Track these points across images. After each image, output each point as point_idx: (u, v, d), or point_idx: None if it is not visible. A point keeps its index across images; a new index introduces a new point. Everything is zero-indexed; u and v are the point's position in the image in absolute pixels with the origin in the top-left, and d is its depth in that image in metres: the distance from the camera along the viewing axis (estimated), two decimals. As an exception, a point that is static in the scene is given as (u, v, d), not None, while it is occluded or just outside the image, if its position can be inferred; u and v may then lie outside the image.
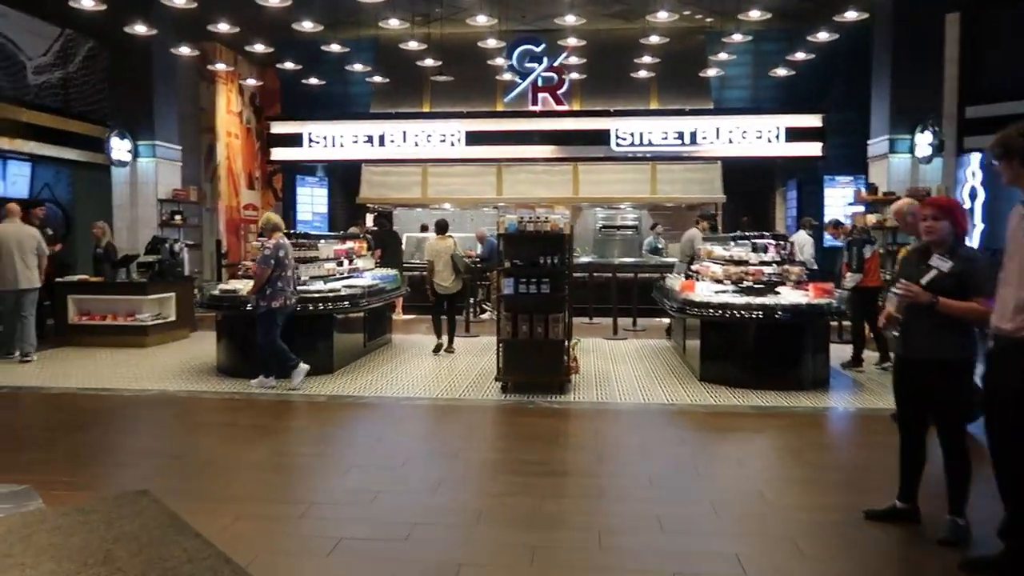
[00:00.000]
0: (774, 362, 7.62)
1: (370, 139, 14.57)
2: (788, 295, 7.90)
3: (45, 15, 13.45)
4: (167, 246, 10.85)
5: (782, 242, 8.37)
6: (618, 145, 14.02)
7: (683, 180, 14.01)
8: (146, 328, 10.16)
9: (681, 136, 13.90)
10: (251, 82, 13.70)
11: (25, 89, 13.39)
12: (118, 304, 10.29)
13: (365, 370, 8.64)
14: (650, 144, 13.97)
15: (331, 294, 8.37)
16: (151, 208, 11.37)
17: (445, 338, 10.01)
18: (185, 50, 10.05)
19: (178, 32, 10.61)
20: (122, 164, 11.47)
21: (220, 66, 11.57)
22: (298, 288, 7.78)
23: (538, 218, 7.27)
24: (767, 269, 8.14)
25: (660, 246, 13.67)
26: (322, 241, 9.24)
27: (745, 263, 8.25)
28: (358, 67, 11.77)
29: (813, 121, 13.68)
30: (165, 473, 5.02)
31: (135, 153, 11.61)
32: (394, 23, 11.06)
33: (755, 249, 8.45)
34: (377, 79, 12.41)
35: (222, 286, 8.46)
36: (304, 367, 7.53)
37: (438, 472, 4.96)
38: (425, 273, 10.09)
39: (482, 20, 10.11)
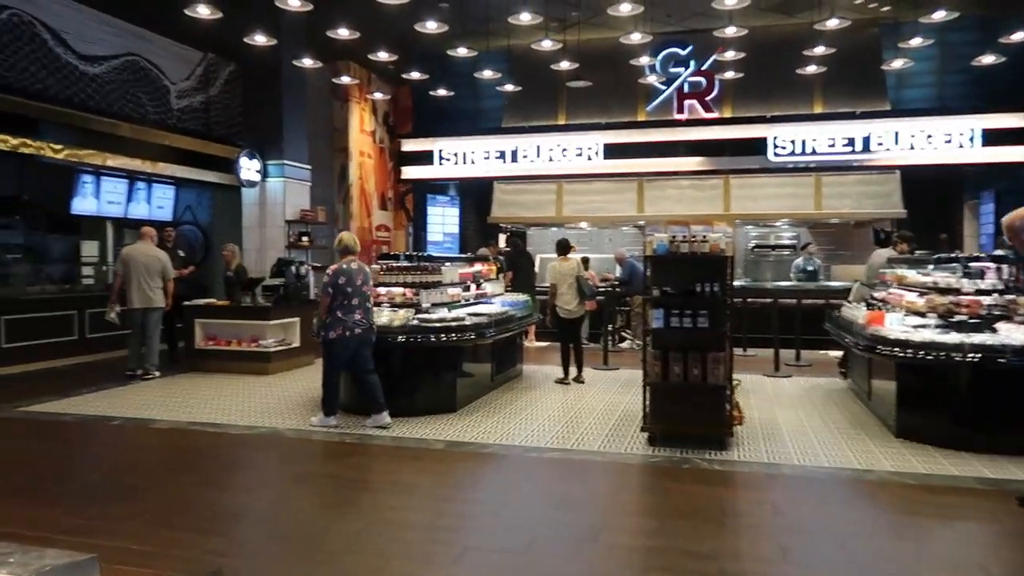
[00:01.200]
0: (998, 418, 6.00)
1: (502, 155, 13.81)
2: (1013, 333, 6.22)
3: (188, 40, 13.71)
4: (292, 269, 10.45)
5: (1005, 266, 6.67)
6: (776, 155, 12.48)
7: (854, 194, 12.24)
8: (268, 355, 9.74)
9: (851, 143, 12.18)
10: (379, 95, 13.26)
11: (168, 113, 13.63)
12: (242, 329, 9.95)
13: (491, 409, 7.69)
14: (814, 153, 12.33)
15: (454, 323, 7.49)
16: (279, 229, 11.07)
17: (574, 369, 9.14)
18: (308, 61, 9.60)
19: (309, 51, 10.26)
20: (251, 184, 11.25)
21: (345, 79, 11.09)
22: (372, 318, 7.04)
23: (694, 237, 6.05)
24: (985, 300, 6.49)
25: (812, 268, 12.01)
26: (446, 264, 8.42)
27: (955, 292, 6.63)
28: (488, 75, 10.91)
29: (1017, 121, 11.57)
30: (247, 543, 4.22)
31: (264, 173, 11.37)
32: (527, 28, 10.19)
33: (968, 275, 6.80)
34: (509, 88, 11.54)
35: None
36: (330, 419, 6.88)
37: (574, 566, 3.87)
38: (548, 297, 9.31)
39: (625, 7, 8.93)
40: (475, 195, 15.22)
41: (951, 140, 11.70)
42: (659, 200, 13.20)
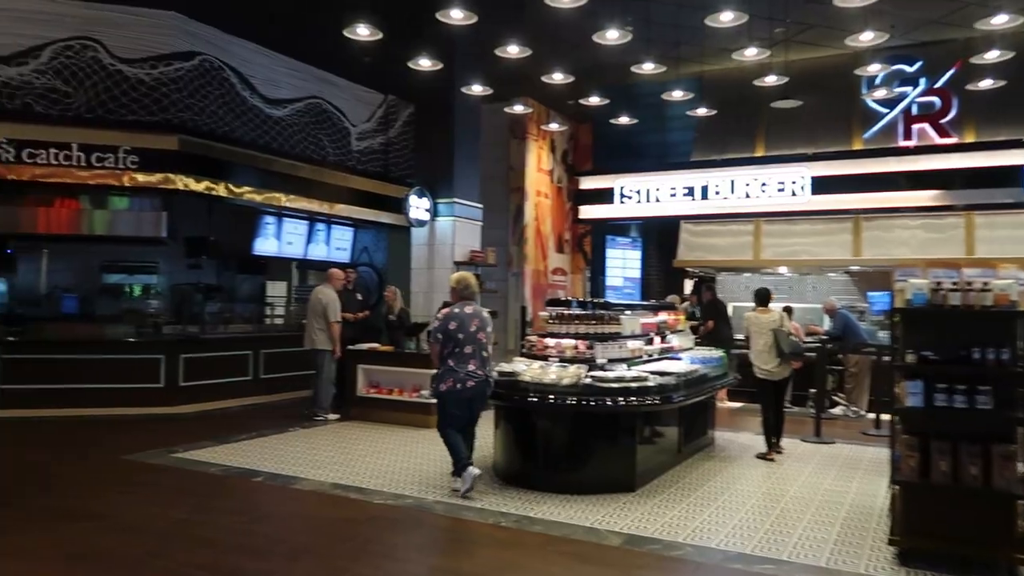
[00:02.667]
0: None
1: (690, 191, 12.43)
2: None
3: (370, 82, 13.72)
4: (458, 313, 9.67)
5: None
6: (1037, 186, 10.15)
7: None
8: (428, 406, 8.93)
9: None
10: (555, 126, 12.35)
11: (348, 155, 13.64)
12: (403, 377, 9.27)
13: (678, 491, 6.31)
14: (1091, 182, 9.88)
15: (635, 383, 6.24)
16: (447, 271, 10.41)
17: (775, 439, 7.82)
18: (477, 88, 8.88)
19: (479, 77, 9.62)
20: (420, 224, 10.72)
21: (519, 107, 10.28)
22: (489, 368, 6.15)
23: (969, 284, 4.42)
24: None
25: None
26: (626, 312, 7.19)
27: None
28: (677, 95, 9.64)
29: None
30: None
31: (434, 212, 10.80)
32: (722, 48, 8.90)
33: None
34: (701, 112, 10.17)
35: (502, 366, 6.79)
36: (474, 471, 5.96)
37: None
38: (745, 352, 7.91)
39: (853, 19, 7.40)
40: (659, 236, 13.88)
41: None
42: (880, 241, 11.18)
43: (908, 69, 11.23)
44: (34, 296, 12.54)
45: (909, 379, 4.54)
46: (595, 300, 7.01)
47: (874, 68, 9.99)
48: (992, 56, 9.34)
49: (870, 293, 13.14)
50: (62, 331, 10.65)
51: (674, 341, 8.10)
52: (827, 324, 10.87)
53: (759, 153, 12.26)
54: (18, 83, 9.96)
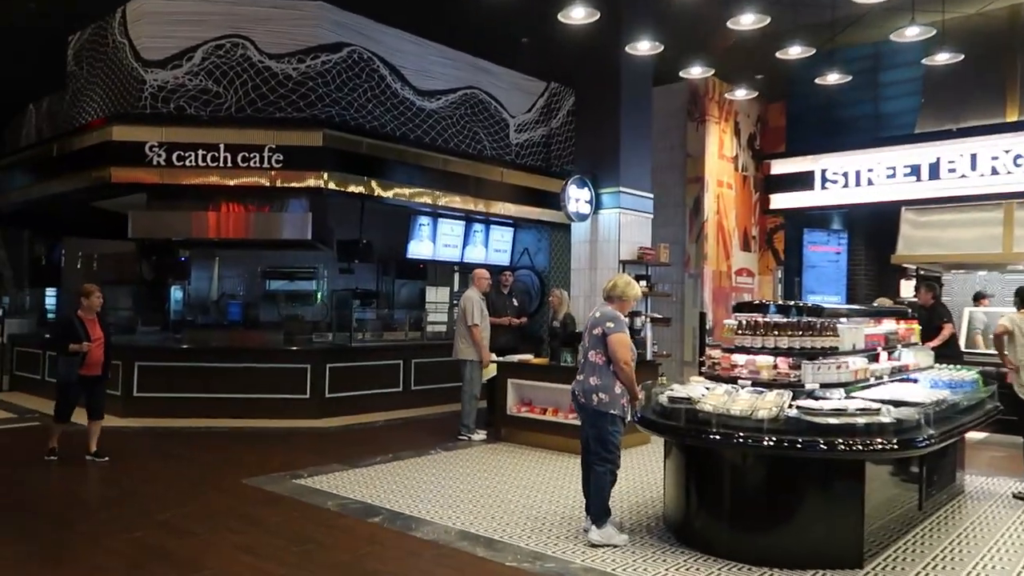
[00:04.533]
0: None
1: (915, 170, 10.06)
2: None
3: (531, 69, 12.59)
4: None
5: None
6: None
7: None
8: (585, 430, 7.51)
9: None
10: (740, 93, 10.41)
11: (507, 148, 12.57)
12: (560, 395, 7.88)
13: (921, 567, 4.46)
14: None
15: (861, 419, 4.46)
16: (612, 272, 8.95)
17: None
18: (644, 45, 7.23)
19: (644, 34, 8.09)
20: (580, 218, 9.30)
21: (696, 70, 8.49)
22: (590, 385, 4.98)
23: None
24: None
25: None
26: (843, 320, 5.38)
27: None
28: (910, 35, 7.48)
29: None
30: None
31: (596, 204, 9.35)
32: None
33: None
34: (942, 58, 7.84)
35: (675, 389, 5.23)
36: (621, 537, 4.84)
37: None
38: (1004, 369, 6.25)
39: None
40: (869, 228, 11.50)
41: None
42: None
43: None
44: (204, 303, 12.61)
45: None
46: (801, 304, 5.26)
47: None
48: None
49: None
50: (218, 338, 10.39)
51: (908, 358, 6.13)
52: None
53: (1012, 118, 9.63)
54: (173, 86, 9.78)
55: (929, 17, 8.34)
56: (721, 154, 12.77)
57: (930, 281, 9.57)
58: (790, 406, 4.63)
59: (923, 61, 8.25)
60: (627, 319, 5.20)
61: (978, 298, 10.11)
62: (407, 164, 10.56)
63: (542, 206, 12.20)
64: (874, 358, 5.59)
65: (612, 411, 4.88)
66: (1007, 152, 9.30)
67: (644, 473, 6.80)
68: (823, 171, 10.94)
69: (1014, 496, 6.16)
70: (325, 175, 9.52)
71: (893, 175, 10.23)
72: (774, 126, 13.53)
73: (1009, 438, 7.35)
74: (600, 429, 4.91)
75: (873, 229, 11.33)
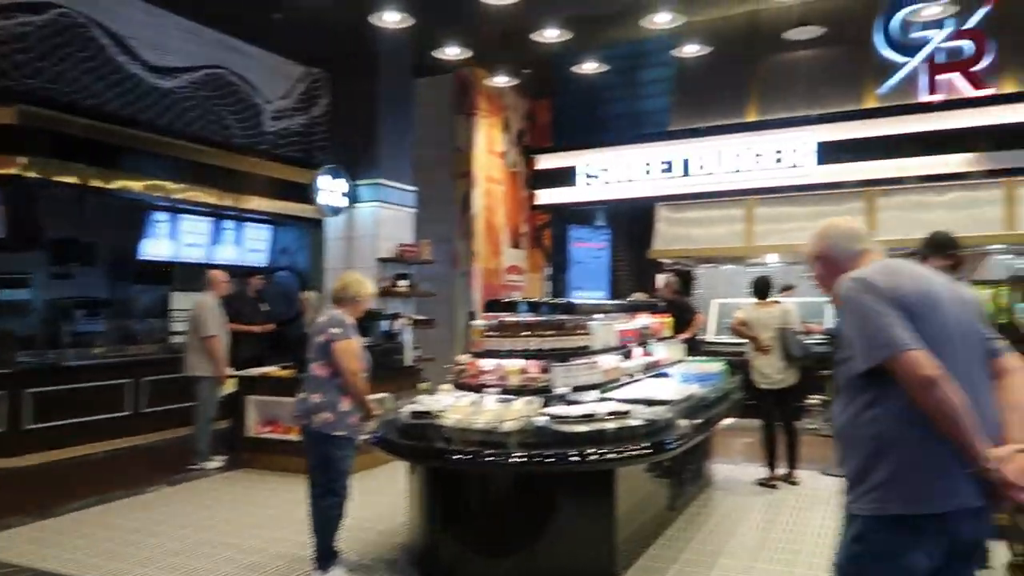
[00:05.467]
0: None
1: (668, 167, 10.34)
2: None
3: (287, 51, 11.47)
4: (382, 324, 7.50)
5: None
6: (1098, 143, 8.23)
7: None
8: (339, 449, 6.70)
9: None
10: (500, 80, 10.12)
11: (261, 137, 11.36)
12: (308, 410, 7.00)
13: (674, 567, 4.21)
14: None
15: (612, 424, 4.10)
16: (370, 272, 8.21)
17: (783, 466, 6.23)
18: (393, 16, 6.61)
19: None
20: (334, 211, 8.49)
21: (453, 51, 8.00)
22: (312, 403, 4.26)
23: None
24: None
25: None
26: (596, 317, 5.07)
27: None
28: (654, 48, 7.53)
29: None
30: None
31: (352, 197, 8.55)
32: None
33: None
34: (690, 50, 7.97)
35: (418, 402, 4.59)
36: None
37: None
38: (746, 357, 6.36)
39: None
40: (630, 224, 11.77)
41: None
42: (900, 218, 9.19)
43: (931, 10, 9.25)
44: None
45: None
46: (553, 301, 4.87)
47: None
48: None
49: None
50: None
51: (660, 353, 6.01)
52: (830, 319, 8.89)
53: (751, 118, 10.21)
54: None
55: (678, 17, 8.54)
56: (491, 149, 12.50)
57: (672, 274, 9.81)
58: (540, 414, 4.18)
59: (671, 52, 8.39)
60: (371, 322, 4.49)
61: (785, 289, 10.62)
62: (136, 151, 9.06)
63: (303, 201, 11.09)
64: (627, 355, 5.36)
65: (339, 432, 4.16)
66: (748, 150, 9.80)
67: (387, 497, 6.11)
68: (585, 167, 10.98)
69: (757, 483, 6.28)
70: (26, 161, 7.85)
71: (649, 171, 10.47)
72: (543, 122, 13.52)
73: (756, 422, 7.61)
74: (325, 455, 4.17)
75: (633, 225, 11.60)
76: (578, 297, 11.88)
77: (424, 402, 4.56)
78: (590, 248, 12.19)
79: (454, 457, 3.99)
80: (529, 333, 4.43)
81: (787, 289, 10.19)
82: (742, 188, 9.94)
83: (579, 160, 11.04)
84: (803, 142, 9.50)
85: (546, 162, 11.60)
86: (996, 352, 2.29)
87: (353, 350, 4.19)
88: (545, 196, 11.64)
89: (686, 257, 10.89)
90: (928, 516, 2.06)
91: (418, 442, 4.21)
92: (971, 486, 2.05)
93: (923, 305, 2.16)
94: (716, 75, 10.33)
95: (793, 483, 6.26)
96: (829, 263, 2.47)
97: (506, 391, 4.40)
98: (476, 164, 12.11)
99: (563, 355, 4.48)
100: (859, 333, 2.18)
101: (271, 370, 7.48)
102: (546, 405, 4.31)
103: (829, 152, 9.36)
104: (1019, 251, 9.42)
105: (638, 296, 8.36)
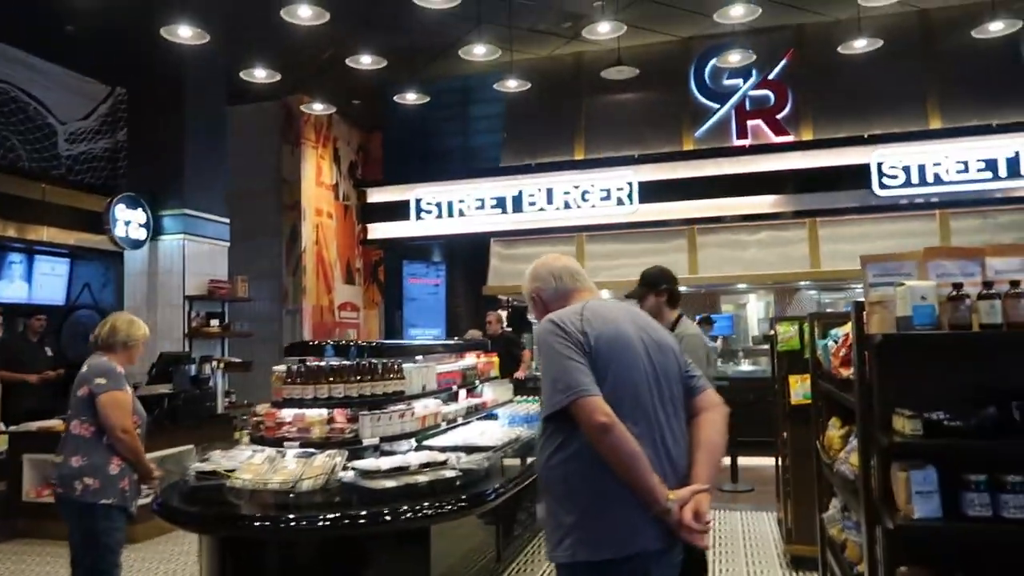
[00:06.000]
0: None
1: (501, 203, 10.31)
2: None
3: (86, 67, 10.42)
4: (187, 369, 6.78)
5: None
6: (884, 186, 9.00)
7: (998, 238, 8.68)
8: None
9: (991, 166, 8.72)
10: (317, 107, 9.71)
11: (54, 162, 10.21)
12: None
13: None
14: (937, 182, 8.86)
15: (424, 477, 3.78)
16: (176, 311, 7.45)
17: None
18: (185, 32, 6.06)
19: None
20: (134, 244, 7.67)
21: (260, 73, 7.52)
22: (67, 468, 3.64)
23: (1018, 284, 2.40)
24: None
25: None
26: (417, 359, 4.77)
27: None
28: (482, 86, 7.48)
29: None
30: None
31: (154, 229, 7.78)
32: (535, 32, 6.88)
33: None
34: (511, 85, 8.04)
35: (207, 461, 4.05)
36: None
37: None
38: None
39: None
40: (466, 260, 11.62)
41: None
42: (717, 255, 9.64)
43: (739, 59, 9.86)
44: None
45: (912, 467, 2.44)
46: (364, 343, 4.50)
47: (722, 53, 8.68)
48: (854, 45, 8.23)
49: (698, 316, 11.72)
50: None
51: (487, 394, 5.77)
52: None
53: (579, 156, 10.40)
54: None
55: (505, 55, 8.56)
56: (320, 181, 11.98)
57: (501, 310, 9.74)
58: (344, 469, 3.79)
59: (495, 86, 8.37)
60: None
61: (704, 323, 10.69)
62: None
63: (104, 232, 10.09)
64: (452, 397, 5.08)
65: (105, 500, 3.57)
66: (576, 187, 9.96)
67: (177, 566, 5.43)
68: (418, 201, 10.73)
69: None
70: None
71: (482, 207, 10.38)
72: (376, 156, 13.19)
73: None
74: (89, 528, 3.56)
75: (469, 260, 11.44)
76: (412, 335, 11.56)
77: (214, 460, 4.03)
78: (426, 284, 11.90)
79: (242, 523, 3.51)
80: (334, 379, 4.03)
81: (707, 323, 10.47)
82: (571, 225, 10.06)
83: (411, 194, 10.77)
84: (627, 181, 9.77)
85: (378, 195, 11.25)
86: (695, 390, 2.33)
87: (122, 403, 3.62)
88: (377, 230, 11.25)
89: (520, 293, 10.82)
90: (615, 561, 2.06)
91: (204, 508, 3.69)
92: (654, 529, 2.06)
93: (613, 348, 2.18)
94: (545, 113, 10.47)
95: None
96: (539, 303, 2.47)
97: (308, 444, 3.97)
98: (304, 196, 11.55)
99: (375, 402, 4.12)
100: (545, 376, 2.20)
101: (52, 423, 6.52)
102: (352, 458, 3.93)
103: (652, 191, 9.68)
104: (824, 287, 10.12)
105: (473, 333, 8.17)
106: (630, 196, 9.77)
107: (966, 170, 8.74)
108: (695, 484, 2.11)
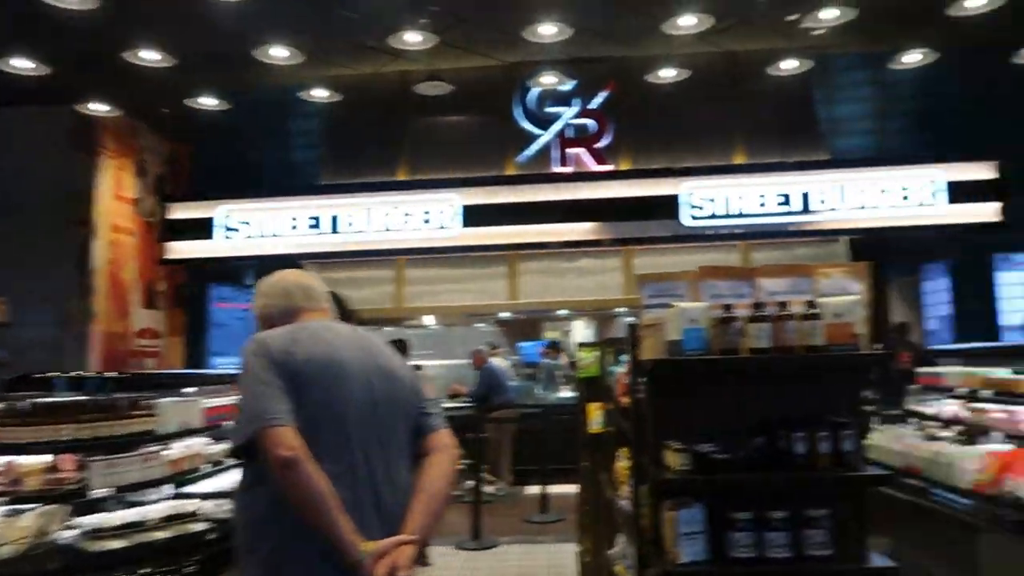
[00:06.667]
0: None
1: (316, 223, 9.71)
2: None
3: None
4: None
5: None
6: (693, 217, 9.32)
7: (794, 267, 9.23)
8: None
9: (787, 201, 9.25)
10: (101, 107, 8.77)
11: None
12: None
13: None
14: (740, 215, 9.29)
15: (165, 533, 3.21)
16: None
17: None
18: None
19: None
20: None
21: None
22: None
23: (785, 308, 2.27)
24: None
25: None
26: (182, 391, 4.16)
27: None
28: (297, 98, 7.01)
29: (983, 172, 9.14)
30: None
31: None
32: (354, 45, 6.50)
33: None
34: (321, 94, 7.58)
35: None
36: None
37: None
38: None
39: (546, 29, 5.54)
40: (281, 284, 10.88)
41: (909, 196, 9.08)
42: (539, 282, 9.58)
43: (562, 87, 9.94)
44: None
45: (680, 505, 2.24)
46: (108, 375, 3.85)
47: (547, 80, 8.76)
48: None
49: (520, 344, 11.71)
50: None
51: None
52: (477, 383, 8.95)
53: (402, 176, 10.02)
54: None
55: (323, 67, 8.13)
56: (119, 194, 10.81)
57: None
58: (66, 524, 3.15)
59: (299, 95, 7.90)
60: None
61: (397, 346, 10.27)
62: None
63: None
64: (216, 438, 4.49)
65: None
66: (396, 208, 9.57)
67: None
68: (225, 219, 9.91)
69: None
70: None
71: (296, 226, 9.74)
72: (186, 168, 12.16)
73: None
74: None
75: (284, 284, 10.72)
76: (216, 364, 10.65)
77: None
78: (235, 309, 11.01)
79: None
80: (61, 419, 3.37)
81: (494, 349, 10.23)
82: (392, 248, 9.64)
83: (218, 211, 9.94)
84: (451, 204, 9.51)
85: (181, 212, 10.30)
86: (426, 428, 2.10)
87: None
88: (177, 249, 10.29)
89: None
90: None
91: None
92: None
93: (322, 373, 1.94)
94: (368, 131, 10.05)
95: (425, 564, 5.79)
96: (267, 322, 2.22)
97: (21, 499, 3.28)
98: (98, 210, 10.37)
99: (114, 445, 3.49)
100: (239, 402, 1.93)
101: None
102: (88, 512, 3.29)
103: (475, 215, 9.48)
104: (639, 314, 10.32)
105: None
106: (453, 220, 9.51)
107: (765, 204, 9.23)
108: (404, 534, 1.87)
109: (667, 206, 9.35)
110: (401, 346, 6.12)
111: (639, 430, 2.52)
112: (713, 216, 9.29)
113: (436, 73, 8.23)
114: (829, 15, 7.10)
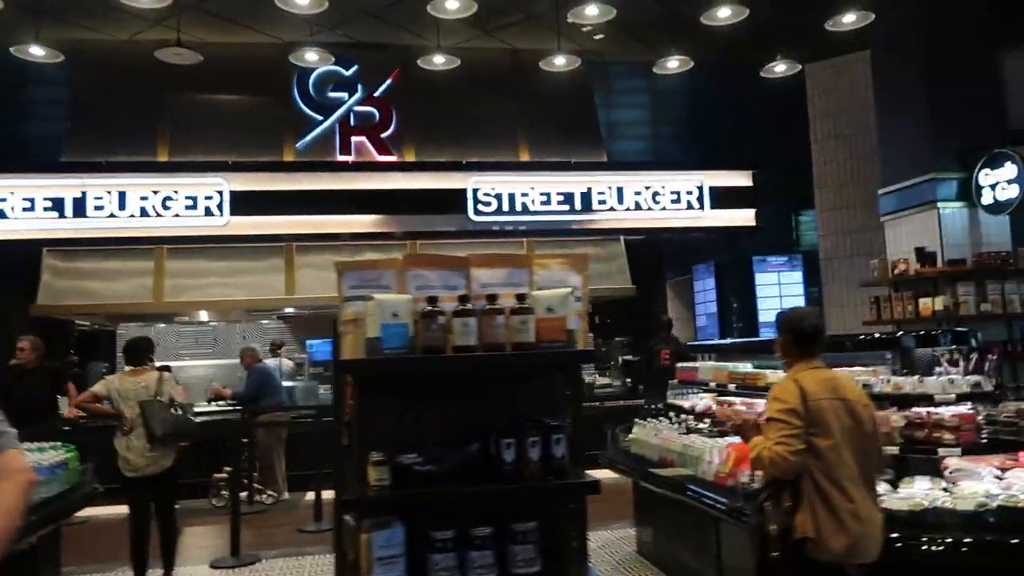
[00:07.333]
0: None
1: (58, 205, 8.48)
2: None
3: None
4: None
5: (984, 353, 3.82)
6: (478, 213, 9.21)
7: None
8: None
9: (569, 200, 9.41)
10: None
11: None
12: None
13: None
14: (525, 211, 9.32)
15: None
16: None
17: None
18: None
19: None
20: None
21: None
22: None
23: (493, 301, 2.06)
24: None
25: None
26: None
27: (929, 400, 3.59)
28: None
29: (741, 179, 9.84)
30: None
31: None
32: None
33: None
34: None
35: None
36: None
37: None
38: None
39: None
40: (11, 273, 9.33)
41: (680, 199, 9.56)
42: (319, 277, 8.99)
43: (344, 72, 9.43)
44: None
45: (379, 525, 1.96)
46: None
47: (311, 57, 8.17)
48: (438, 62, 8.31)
49: (310, 341, 11.04)
50: None
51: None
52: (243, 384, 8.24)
53: (162, 158, 9.02)
54: None
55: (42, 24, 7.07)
56: None
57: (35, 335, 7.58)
58: None
59: (11, 49, 6.80)
60: None
61: (275, 347, 9.33)
62: None
63: None
64: None
65: None
66: (156, 193, 8.59)
67: None
68: (-60, 197, 8.38)
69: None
70: None
71: (32, 208, 8.44)
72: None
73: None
74: None
75: (16, 272, 9.21)
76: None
77: None
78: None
79: None
80: None
81: (278, 347, 9.38)
82: (149, 236, 8.65)
83: (-69, 187, 8.40)
84: (218, 189, 8.69)
85: None
86: None
87: None
88: None
89: (84, 314, 9.07)
90: None
91: None
92: None
93: None
94: (121, 105, 8.97)
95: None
96: None
97: None
98: None
99: None
100: None
101: None
102: None
103: (246, 203, 8.74)
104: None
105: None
106: (220, 207, 8.70)
107: (549, 202, 9.34)
108: None
109: (455, 200, 9.18)
110: (138, 347, 5.36)
111: (350, 440, 2.23)
112: (499, 212, 9.25)
113: (187, 43, 7.45)
114: (592, 11, 7.27)
